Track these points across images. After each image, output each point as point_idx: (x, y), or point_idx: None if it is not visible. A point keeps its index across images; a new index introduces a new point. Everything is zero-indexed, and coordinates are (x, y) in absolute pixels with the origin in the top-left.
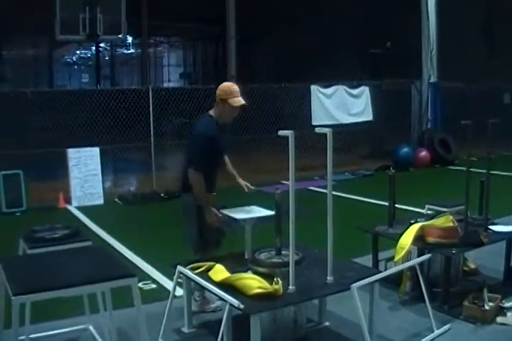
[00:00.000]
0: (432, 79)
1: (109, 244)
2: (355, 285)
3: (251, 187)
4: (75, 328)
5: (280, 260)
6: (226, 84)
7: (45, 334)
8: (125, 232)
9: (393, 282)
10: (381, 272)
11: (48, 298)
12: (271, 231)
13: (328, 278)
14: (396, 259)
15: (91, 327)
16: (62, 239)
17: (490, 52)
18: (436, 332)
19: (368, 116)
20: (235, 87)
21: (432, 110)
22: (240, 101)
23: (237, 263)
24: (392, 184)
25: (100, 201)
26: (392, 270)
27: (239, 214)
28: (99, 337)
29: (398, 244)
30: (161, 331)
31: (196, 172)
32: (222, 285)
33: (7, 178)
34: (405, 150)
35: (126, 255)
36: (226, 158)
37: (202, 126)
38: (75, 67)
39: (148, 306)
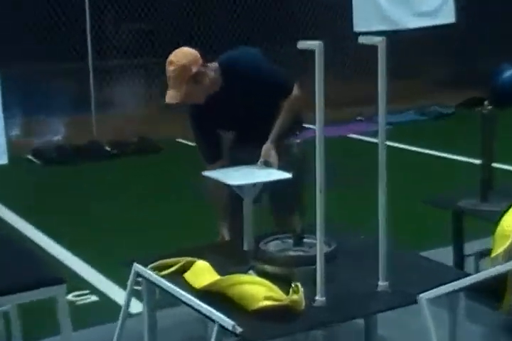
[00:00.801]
0: None
1: (19, 232)
2: (424, 296)
3: (260, 163)
4: None
5: (301, 253)
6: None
7: None
8: (46, 211)
9: (490, 292)
10: (469, 275)
11: None
12: None
13: (380, 283)
14: (495, 254)
15: None
16: None
17: None
18: None
19: (448, 17)
20: (173, 74)
21: None
22: (166, 97)
23: (231, 258)
24: (487, 129)
25: (3, 160)
26: (488, 272)
27: (233, 176)
28: None
29: (499, 229)
30: None
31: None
32: (208, 294)
33: None
34: (511, 73)
35: (49, 249)
36: (286, 103)
37: None
38: None
39: (85, 332)
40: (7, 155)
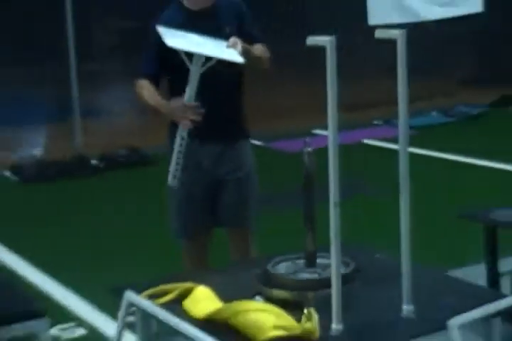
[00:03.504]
0: None
1: None
2: (455, 322)
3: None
4: None
5: (314, 275)
6: None
7: None
8: (24, 235)
9: None
10: (506, 296)
11: None
12: (295, 221)
13: (405, 307)
14: None
15: None
16: None
17: None
18: None
19: (475, 6)
20: None
21: None
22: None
23: (234, 282)
24: None
25: None
26: None
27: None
28: None
29: None
30: None
31: (138, 81)
32: (210, 324)
33: None
34: None
35: (28, 276)
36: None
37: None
38: None
39: None
40: None
